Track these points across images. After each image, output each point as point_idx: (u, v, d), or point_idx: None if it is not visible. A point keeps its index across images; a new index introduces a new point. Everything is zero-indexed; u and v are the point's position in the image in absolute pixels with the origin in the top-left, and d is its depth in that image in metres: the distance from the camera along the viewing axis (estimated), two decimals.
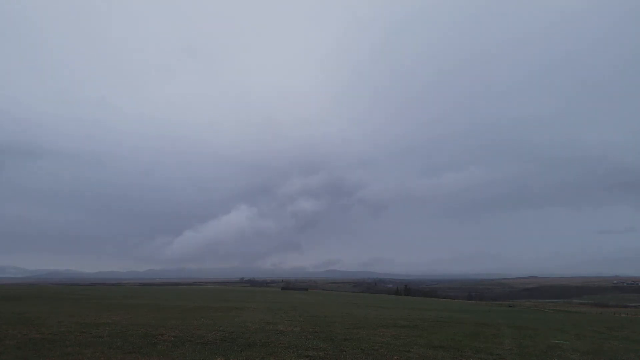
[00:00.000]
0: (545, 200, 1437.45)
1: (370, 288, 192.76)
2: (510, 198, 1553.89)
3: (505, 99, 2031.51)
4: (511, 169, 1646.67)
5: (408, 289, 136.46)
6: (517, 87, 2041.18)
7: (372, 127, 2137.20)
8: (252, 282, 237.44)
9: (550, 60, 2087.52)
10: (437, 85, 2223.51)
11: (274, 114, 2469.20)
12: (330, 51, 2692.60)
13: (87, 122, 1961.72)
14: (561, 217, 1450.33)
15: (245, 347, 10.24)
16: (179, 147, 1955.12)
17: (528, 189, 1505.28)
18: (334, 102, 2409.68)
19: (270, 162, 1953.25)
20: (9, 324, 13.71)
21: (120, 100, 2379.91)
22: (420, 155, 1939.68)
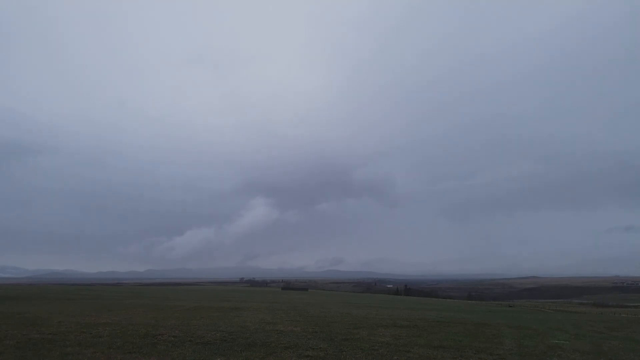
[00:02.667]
0: (545, 201, 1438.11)
1: (370, 288, 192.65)
2: (510, 198, 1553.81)
3: (509, 101, 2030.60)
4: (511, 170, 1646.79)
5: (408, 289, 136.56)
6: (520, 87, 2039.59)
7: (378, 127, 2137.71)
8: (252, 282, 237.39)
9: (553, 58, 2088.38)
10: (443, 86, 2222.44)
11: (277, 114, 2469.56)
12: (333, 52, 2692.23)
13: (89, 123, 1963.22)
14: (561, 218, 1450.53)
15: (245, 347, 10.23)
16: (181, 149, 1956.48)
17: (528, 190, 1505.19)
18: (340, 103, 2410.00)
19: (273, 163, 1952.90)
20: (9, 324, 13.71)
21: (122, 103, 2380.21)
22: (424, 157, 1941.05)
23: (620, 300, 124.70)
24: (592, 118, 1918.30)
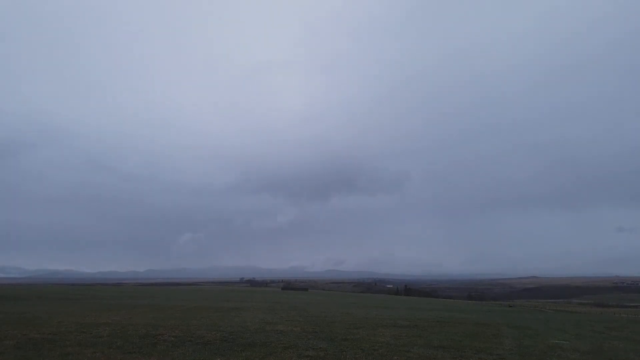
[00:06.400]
0: (546, 201, 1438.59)
1: (370, 288, 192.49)
2: (510, 198, 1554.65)
3: (510, 98, 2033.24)
4: (512, 170, 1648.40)
5: (408, 289, 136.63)
6: (524, 85, 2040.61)
7: (380, 128, 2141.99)
8: (252, 282, 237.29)
9: (558, 66, 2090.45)
10: (443, 85, 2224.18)
11: (280, 115, 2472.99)
12: (335, 58, 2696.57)
13: (91, 123, 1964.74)
14: (561, 218, 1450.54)
15: (245, 347, 10.23)
16: (182, 149, 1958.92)
17: (528, 189, 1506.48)
18: (343, 104, 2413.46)
19: (274, 163, 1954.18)
20: (9, 324, 13.71)
21: (124, 105, 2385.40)
22: (426, 158, 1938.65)
23: (620, 300, 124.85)
24: (594, 120, 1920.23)
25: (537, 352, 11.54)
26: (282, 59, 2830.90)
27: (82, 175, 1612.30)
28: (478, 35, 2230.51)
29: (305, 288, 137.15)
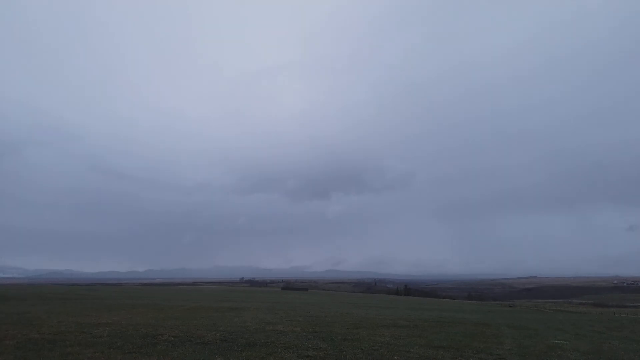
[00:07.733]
0: (545, 200, 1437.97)
1: (370, 288, 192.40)
2: (510, 198, 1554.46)
3: (513, 98, 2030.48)
4: (511, 169, 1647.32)
5: (408, 289, 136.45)
6: (528, 84, 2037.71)
7: (381, 127, 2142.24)
8: (252, 282, 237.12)
9: (553, 56, 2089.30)
10: (441, 82, 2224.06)
11: (278, 114, 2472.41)
12: (331, 55, 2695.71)
13: (92, 123, 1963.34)
14: (561, 217, 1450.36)
15: (245, 347, 10.22)
16: (182, 149, 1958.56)
17: (528, 189, 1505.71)
18: (339, 101, 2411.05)
19: (273, 163, 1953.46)
20: (9, 324, 13.70)
21: (125, 106, 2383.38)
22: (425, 157, 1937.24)
23: (620, 300, 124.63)
24: (593, 118, 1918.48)
25: (537, 352, 11.54)
26: (282, 62, 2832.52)
27: (83, 175, 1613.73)
28: (482, 43, 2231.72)
29: (305, 288, 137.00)
